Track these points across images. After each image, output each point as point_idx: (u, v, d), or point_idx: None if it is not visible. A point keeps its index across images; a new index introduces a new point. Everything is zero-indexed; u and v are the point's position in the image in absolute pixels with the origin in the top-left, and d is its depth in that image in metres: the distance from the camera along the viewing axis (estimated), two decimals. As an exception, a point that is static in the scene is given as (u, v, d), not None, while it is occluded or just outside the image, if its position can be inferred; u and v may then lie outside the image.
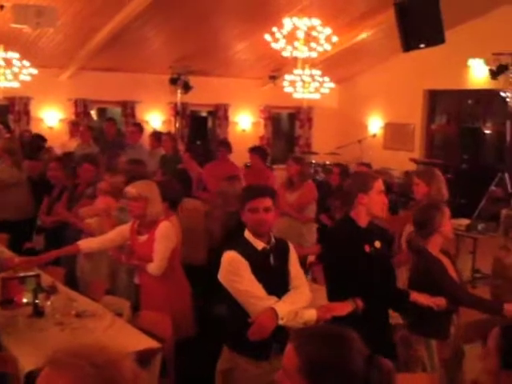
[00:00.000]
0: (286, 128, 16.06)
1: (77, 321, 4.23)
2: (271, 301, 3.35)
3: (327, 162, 13.47)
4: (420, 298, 3.76)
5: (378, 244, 3.75)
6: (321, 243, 4.00)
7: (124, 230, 4.76)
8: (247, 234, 3.49)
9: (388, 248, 4.05)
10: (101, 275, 5.38)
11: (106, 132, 10.79)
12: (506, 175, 10.83)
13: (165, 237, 4.51)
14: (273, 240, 3.51)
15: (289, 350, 1.74)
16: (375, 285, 3.65)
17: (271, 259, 3.47)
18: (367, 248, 3.70)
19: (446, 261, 4.07)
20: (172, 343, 4.10)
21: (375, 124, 14.55)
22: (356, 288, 3.59)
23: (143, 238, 4.60)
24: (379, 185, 3.72)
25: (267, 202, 3.46)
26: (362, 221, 3.73)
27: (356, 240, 3.69)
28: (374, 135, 14.49)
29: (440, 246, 4.05)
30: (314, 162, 13.62)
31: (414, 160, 12.66)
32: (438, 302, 3.77)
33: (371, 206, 3.69)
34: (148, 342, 3.83)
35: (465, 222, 8.45)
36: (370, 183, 3.71)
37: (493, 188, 10.86)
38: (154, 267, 4.48)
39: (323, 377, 1.65)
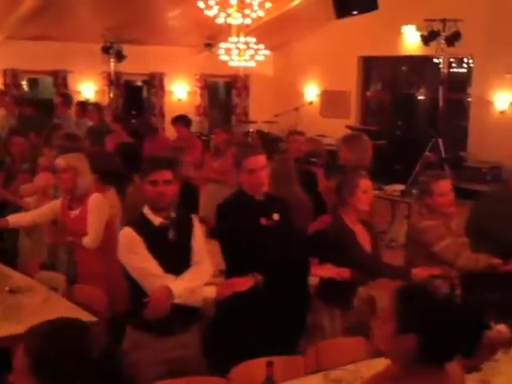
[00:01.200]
0: (223, 97, 15.94)
1: (11, 297, 4.11)
2: (167, 278, 3.26)
3: (265, 131, 13.46)
4: (322, 270, 3.74)
5: (276, 216, 3.69)
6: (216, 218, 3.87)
7: (55, 204, 4.63)
8: (146, 210, 3.38)
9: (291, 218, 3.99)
10: (41, 253, 5.24)
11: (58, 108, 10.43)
12: (440, 141, 11.02)
13: (96, 209, 4.38)
14: (173, 215, 3.39)
15: (19, 351, 1.76)
16: (274, 258, 3.59)
17: (170, 234, 3.35)
18: (264, 221, 3.64)
19: (360, 230, 4.03)
20: (106, 316, 4.03)
21: (312, 91, 14.58)
22: (254, 262, 3.53)
23: (75, 212, 4.47)
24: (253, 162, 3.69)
25: (167, 174, 3.34)
26: (259, 192, 3.67)
27: (250, 213, 3.63)
28: (311, 103, 14.53)
29: (357, 215, 4.02)
30: (251, 130, 13.58)
31: (349, 127, 12.75)
32: (341, 273, 3.73)
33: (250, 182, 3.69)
34: (83, 316, 3.75)
35: (400, 187, 8.58)
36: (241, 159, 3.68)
37: (427, 153, 11.05)
38: (88, 240, 4.36)
39: (51, 373, 1.69)
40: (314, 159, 5.78)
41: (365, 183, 3.97)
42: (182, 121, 8.29)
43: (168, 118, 13.20)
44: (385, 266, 4.09)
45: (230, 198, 3.89)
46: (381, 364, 3.22)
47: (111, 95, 13.18)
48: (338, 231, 3.93)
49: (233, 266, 3.72)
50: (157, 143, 7.94)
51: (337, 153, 5.45)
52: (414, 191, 8.30)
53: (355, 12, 8.72)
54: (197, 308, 3.45)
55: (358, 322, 3.98)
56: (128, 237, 3.30)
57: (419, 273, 3.78)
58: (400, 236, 8.34)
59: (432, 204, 4.09)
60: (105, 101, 12.55)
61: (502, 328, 2.61)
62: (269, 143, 7.61)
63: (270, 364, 2.77)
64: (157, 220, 3.35)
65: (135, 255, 3.27)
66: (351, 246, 3.89)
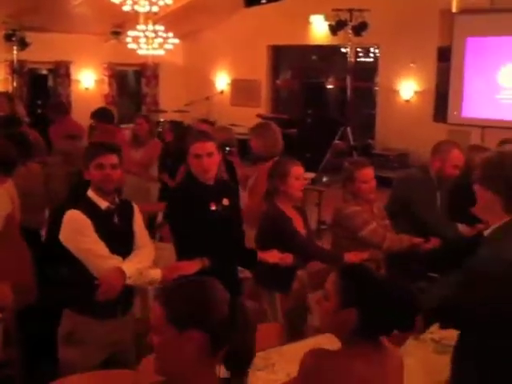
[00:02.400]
0: (132, 86, 15.65)
1: None
2: (116, 260, 3.29)
3: (176, 120, 13.32)
4: (267, 256, 3.79)
5: (225, 201, 3.72)
6: (165, 202, 3.93)
7: None
8: (91, 193, 3.36)
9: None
10: None
11: None
12: (348, 129, 11.25)
13: None
14: (117, 200, 3.42)
15: (155, 307, 1.84)
16: (222, 243, 3.64)
17: (115, 219, 3.38)
18: (213, 206, 3.67)
19: (295, 216, 4.11)
20: (13, 311, 3.88)
21: (222, 80, 14.54)
22: (203, 246, 3.57)
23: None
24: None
25: (113, 158, 3.36)
26: (206, 178, 3.69)
27: (200, 198, 3.65)
28: (222, 92, 14.49)
29: (291, 202, 4.08)
30: (162, 120, 13.41)
31: (260, 116, 12.80)
32: (285, 258, 3.82)
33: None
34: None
35: (310, 175, 8.68)
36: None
37: (336, 141, 11.26)
38: None
39: (186, 321, 1.78)
40: (228, 148, 5.80)
41: (296, 170, 4.03)
42: (101, 115, 8.04)
43: (75, 107, 12.91)
44: (320, 250, 4.24)
45: (181, 183, 3.96)
46: (291, 350, 3.30)
47: (15, 84, 12.69)
48: (275, 218, 3.98)
49: (183, 251, 3.72)
50: (64, 127, 7.66)
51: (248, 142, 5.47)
52: (325, 179, 8.44)
53: (264, 1, 8.73)
54: (133, 290, 3.51)
55: (297, 304, 4.08)
56: (76, 219, 3.27)
57: (350, 257, 3.93)
58: (311, 223, 8.45)
59: (355, 190, 4.21)
60: (8, 90, 12.04)
61: None
62: (181, 132, 7.55)
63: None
64: (103, 204, 3.35)
65: (84, 237, 3.26)
66: (289, 232, 3.95)
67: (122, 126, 11.76)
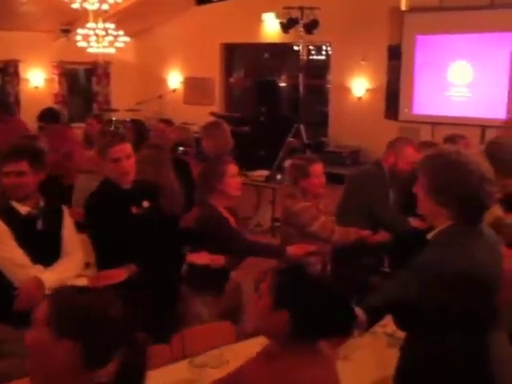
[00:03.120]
0: (83, 84, 15.41)
1: None
2: (35, 269, 3.19)
3: (127, 119, 13.15)
4: (198, 258, 3.74)
5: (146, 204, 3.66)
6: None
7: None
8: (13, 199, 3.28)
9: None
10: None
11: None
12: (302, 126, 11.28)
13: None
14: (41, 204, 3.31)
15: (43, 304, 1.76)
16: (147, 247, 3.56)
17: (38, 224, 3.28)
18: (134, 209, 3.60)
19: (229, 217, 4.06)
20: None
21: (175, 79, 14.43)
22: (127, 252, 3.49)
23: None
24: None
25: (19, 166, 3.24)
26: (125, 181, 3.63)
27: (120, 203, 3.57)
28: (174, 90, 14.38)
29: (226, 201, 4.04)
30: (114, 119, 13.23)
31: (214, 114, 12.77)
32: (216, 260, 3.76)
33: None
34: None
35: (264, 173, 8.70)
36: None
37: (290, 139, 11.27)
38: None
39: (65, 329, 1.69)
40: (183, 148, 5.78)
41: (232, 168, 4.01)
42: (49, 116, 7.92)
43: (24, 106, 12.66)
44: (262, 245, 4.22)
45: (98, 190, 3.82)
46: (244, 348, 3.29)
47: (-39, 84, 12.39)
48: (211, 218, 3.93)
49: (105, 258, 3.64)
50: (8, 130, 7.49)
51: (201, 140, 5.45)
52: (279, 176, 8.45)
53: (215, -1, 8.70)
54: None
55: (230, 306, 4.04)
56: None
57: (294, 251, 3.91)
58: (265, 221, 8.48)
59: (307, 186, 4.23)
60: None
61: (358, 312, 2.68)
62: (142, 131, 7.47)
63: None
64: (23, 209, 3.26)
65: (1, 245, 3.17)
66: (227, 232, 3.92)
67: (73, 125, 11.59)
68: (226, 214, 4.02)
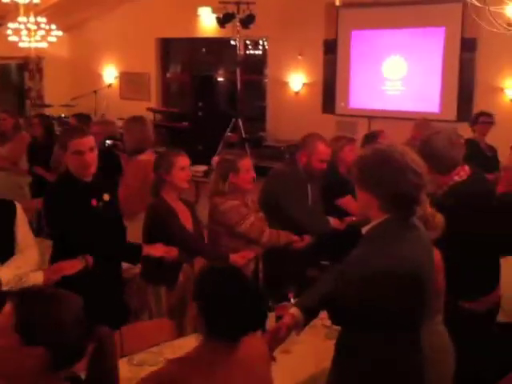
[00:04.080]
0: (15, 80, 15.00)
1: None
2: None
3: (62, 115, 12.89)
4: (152, 250, 3.74)
5: (106, 197, 3.64)
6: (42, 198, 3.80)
7: None
8: None
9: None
10: None
11: None
12: (240, 121, 11.27)
13: None
14: None
15: (7, 308, 1.74)
16: (104, 239, 3.54)
17: None
18: (94, 202, 3.58)
19: (182, 209, 4.06)
20: None
21: (110, 74, 14.18)
22: (83, 244, 3.46)
23: None
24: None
25: None
26: (87, 174, 3.58)
27: (80, 195, 3.53)
28: (110, 85, 14.14)
29: (177, 194, 4.04)
30: (48, 115, 12.93)
31: (150, 109, 12.65)
32: (170, 252, 3.76)
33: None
34: None
35: (203, 168, 8.66)
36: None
37: (228, 134, 11.26)
38: None
39: (35, 336, 1.69)
40: (108, 142, 5.73)
41: (181, 160, 4.02)
42: None
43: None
44: (206, 248, 4.19)
45: (57, 182, 3.82)
46: (184, 344, 3.27)
47: None
48: (160, 211, 3.95)
49: (63, 249, 3.61)
50: None
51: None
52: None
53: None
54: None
55: (182, 298, 4.04)
56: None
57: (237, 259, 3.96)
58: (204, 216, 8.42)
59: (236, 181, 4.18)
60: None
61: (294, 311, 2.69)
62: (50, 127, 7.42)
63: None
64: None
65: None
66: (174, 227, 3.93)
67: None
68: (180, 207, 4.04)
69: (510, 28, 3.90)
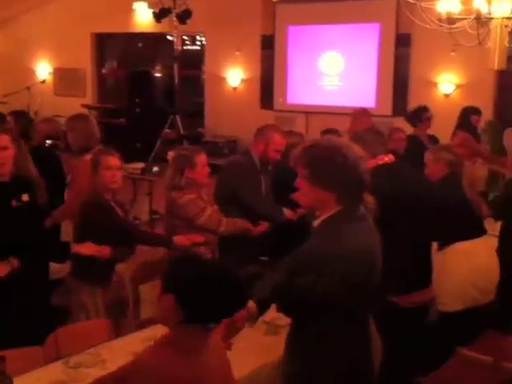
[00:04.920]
0: None
1: None
2: None
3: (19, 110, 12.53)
4: (82, 248, 3.68)
5: (25, 197, 3.57)
6: None
7: None
8: None
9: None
10: None
11: None
12: (178, 117, 11.20)
13: None
14: None
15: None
16: (28, 240, 3.46)
17: None
18: (14, 202, 3.50)
19: (115, 207, 4.02)
20: None
21: (43, 69, 13.86)
22: (7, 246, 3.37)
23: None
24: None
25: None
26: (2, 172, 3.50)
27: None
28: (44, 81, 13.82)
29: (108, 193, 3.97)
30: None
31: (86, 106, 12.43)
32: (102, 250, 3.71)
33: None
34: None
35: (140, 165, 8.56)
36: None
37: (166, 130, 11.18)
38: None
39: None
40: (51, 141, 5.61)
41: (108, 160, 3.95)
42: None
43: None
44: (149, 234, 4.32)
45: None
46: (121, 345, 3.22)
47: None
48: (95, 206, 3.88)
49: None
50: None
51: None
52: (155, 168, 8.34)
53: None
54: None
55: (117, 296, 4.00)
56: None
57: (181, 240, 3.96)
58: (143, 213, 8.35)
59: (193, 176, 4.19)
60: None
61: (249, 303, 2.69)
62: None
63: (1, 359, 2.56)
64: None
65: None
66: (113, 219, 3.88)
67: None
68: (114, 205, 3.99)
69: (441, 24, 3.96)
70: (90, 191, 3.96)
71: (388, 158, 3.68)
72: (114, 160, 3.97)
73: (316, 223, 2.58)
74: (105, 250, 3.71)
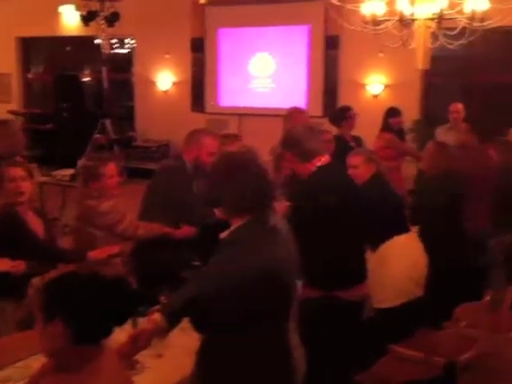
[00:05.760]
0: None
1: None
2: None
3: None
4: None
5: None
6: None
7: None
8: None
9: None
10: None
11: None
12: (108, 122, 11.03)
13: None
14: None
15: None
16: None
17: None
18: None
19: (32, 218, 3.89)
20: None
21: (-33, 75, 13.44)
22: None
23: None
24: None
25: None
26: None
27: None
28: (-33, 87, 13.41)
29: (26, 205, 3.86)
30: None
31: (12, 112, 12.12)
32: (17, 265, 3.59)
33: None
34: None
35: (69, 171, 8.36)
36: None
37: (96, 135, 10.98)
38: None
39: None
40: None
41: (10, 172, 3.82)
42: None
43: None
44: (60, 251, 4.04)
45: None
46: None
47: None
48: (7, 222, 3.72)
49: None
50: None
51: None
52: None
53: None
54: None
55: (30, 312, 3.83)
56: None
57: (96, 255, 3.86)
58: (71, 220, 8.14)
59: (100, 187, 4.09)
60: None
61: (156, 317, 2.63)
62: None
63: None
64: None
65: None
66: (25, 237, 3.73)
67: None
68: (28, 215, 3.84)
69: (366, 25, 4.01)
70: (7, 206, 3.82)
71: (325, 159, 3.70)
72: (16, 171, 3.83)
73: (223, 235, 2.55)
74: (20, 266, 3.59)
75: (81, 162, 4.28)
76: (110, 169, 4.13)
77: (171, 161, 5.05)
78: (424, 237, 4.46)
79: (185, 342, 3.13)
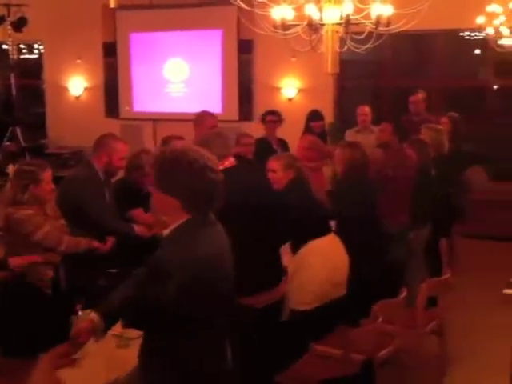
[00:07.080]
0: None
1: None
2: None
3: None
4: None
5: None
6: None
7: None
8: None
9: None
10: None
11: None
12: (18, 129, 10.76)
13: None
14: None
15: None
16: None
17: None
18: None
19: None
20: None
21: None
22: None
23: None
24: None
25: None
26: None
27: None
28: None
29: None
30: None
31: None
32: None
33: None
34: None
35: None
36: None
37: (6, 143, 10.70)
38: None
39: None
40: None
41: None
42: None
43: None
44: None
45: None
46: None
47: None
48: None
49: None
50: None
51: None
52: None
53: None
54: None
55: None
56: None
57: (17, 262, 3.85)
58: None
59: (37, 193, 4.06)
60: None
61: (94, 317, 2.61)
62: None
63: None
64: None
65: None
66: None
67: None
68: None
69: (276, 30, 4.06)
70: None
71: (228, 163, 3.73)
72: None
73: (166, 232, 2.53)
74: None
75: (13, 168, 4.20)
76: (48, 174, 4.13)
77: (80, 169, 4.93)
78: (342, 238, 4.54)
79: (102, 348, 3.09)
